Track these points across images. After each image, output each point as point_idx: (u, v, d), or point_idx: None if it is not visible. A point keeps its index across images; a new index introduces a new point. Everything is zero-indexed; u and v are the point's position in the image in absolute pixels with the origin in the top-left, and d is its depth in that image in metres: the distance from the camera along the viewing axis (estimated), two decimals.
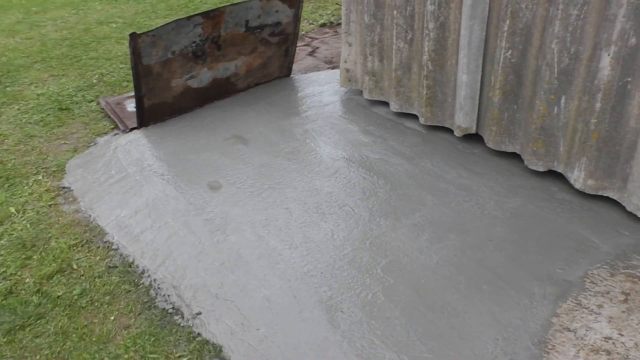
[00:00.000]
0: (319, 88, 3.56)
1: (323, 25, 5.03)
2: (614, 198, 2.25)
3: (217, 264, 2.18)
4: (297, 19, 3.53)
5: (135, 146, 3.05)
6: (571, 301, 1.89)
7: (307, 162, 2.74)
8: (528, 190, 2.42)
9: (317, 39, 4.67)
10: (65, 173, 2.93)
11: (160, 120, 3.34)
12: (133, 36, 2.92)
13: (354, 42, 3.23)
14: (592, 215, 2.25)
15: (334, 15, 5.13)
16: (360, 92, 3.38)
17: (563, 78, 2.24)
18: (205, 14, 3.14)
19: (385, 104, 3.22)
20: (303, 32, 4.76)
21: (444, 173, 2.58)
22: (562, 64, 2.22)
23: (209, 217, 2.43)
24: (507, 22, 2.35)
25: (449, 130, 2.89)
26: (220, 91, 3.53)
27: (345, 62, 3.34)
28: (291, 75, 3.84)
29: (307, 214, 2.38)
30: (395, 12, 2.84)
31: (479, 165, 2.61)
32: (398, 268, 2.06)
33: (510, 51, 2.40)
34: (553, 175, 2.47)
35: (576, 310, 1.84)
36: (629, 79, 2.03)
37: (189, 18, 3.09)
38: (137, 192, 2.67)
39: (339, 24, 4.87)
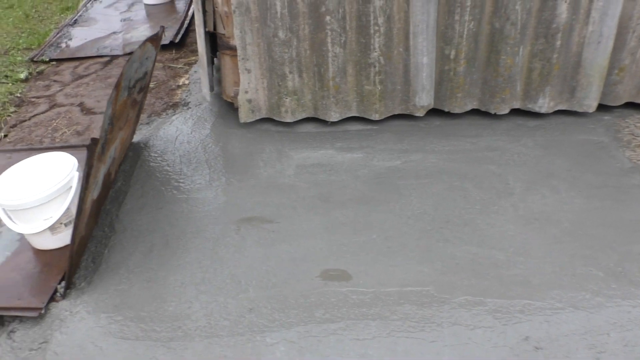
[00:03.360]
0: (217, 137, 2.88)
1: (27, 79, 3.75)
2: (564, 108, 2.96)
3: None
4: (154, 63, 2.69)
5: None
6: None
7: (388, 209, 2.38)
8: (525, 130, 2.86)
9: (54, 93, 3.50)
10: None
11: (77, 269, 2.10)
12: (92, 147, 1.73)
13: (253, 66, 2.77)
14: (570, 125, 2.90)
15: (30, 71, 3.88)
16: (262, 121, 2.96)
17: (523, 32, 2.73)
18: (117, 85, 2.09)
19: (306, 120, 2.95)
20: (15, 94, 3.48)
21: (476, 152, 2.70)
22: (523, 20, 2.70)
23: None
24: None
25: (395, 117, 2.96)
26: (105, 192, 2.43)
27: (246, 92, 2.82)
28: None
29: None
30: (328, 17, 2.63)
31: (469, 131, 2.86)
32: None
33: (472, 23, 2.70)
34: (507, 114, 2.98)
35: None
36: (574, 17, 2.71)
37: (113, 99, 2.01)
38: None
39: (42, 72, 3.76)
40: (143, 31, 4.39)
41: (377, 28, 2.66)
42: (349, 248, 2.14)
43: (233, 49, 2.82)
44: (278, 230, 2.23)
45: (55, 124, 3.16)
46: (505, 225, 2.22)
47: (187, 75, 3.65)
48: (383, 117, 2.90)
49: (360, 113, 2.91)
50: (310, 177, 2.52)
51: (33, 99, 3.46)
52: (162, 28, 2.54)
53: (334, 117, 2.89)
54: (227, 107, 3.11)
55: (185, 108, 3.19)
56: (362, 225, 2.24)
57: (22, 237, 2.31)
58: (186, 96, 3.36)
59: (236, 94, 2.91)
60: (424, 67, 2.77)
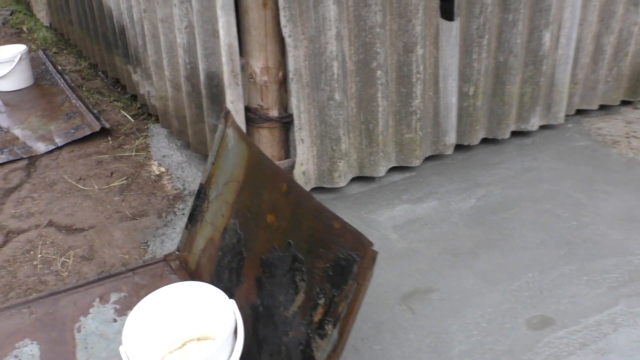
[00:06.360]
0: None
1: None
2: (543, 124, 3.37)
3: None
4: None
5: None
6: None
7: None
8: (529, 148, 3.16)
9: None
10: None
11: None
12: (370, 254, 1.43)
13: (306, 135, 2.56)
14: (554, 137, 3.31)
15: None
16: (315, 189, 2.73)
17: (520, 61, 3.05)
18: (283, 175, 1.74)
19: (352, 181, 2.82)
20: None
21: (521, 175, 2.90)
22: (520, 51, 3.01)
23: None
24: (486, 37, 2.84)
25: (426, 160, 3.02)
26: None
27: (302, 164, 2.58)
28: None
29: None
30: (379, 72, 2.58)
31: (492, 159, 3.05)
32: None
33: (487, 59, 2.92)
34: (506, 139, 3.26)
35: None
36: (551, 44, 3.13)
37: None
38: None
39: None
40: (37, 120, 3.63)
41: (418, 76, 2.68)
42: (521, 293, 2.12)
43: (271, 120, 2.55)
44: (447, 298, 2.09)
45: (40, 256, 2.43)
46: (613, 233, 2.44)
47: (154, 162, 3.13)
48: (420, 162, 2.92)
49: (400, 162, 2.89)
50: (417, 236, 2.42)
51: None
52: (227, 109, 2.17)
53: (382, 171, 2.81)
54: None
55: None
56: (510, 268, 2.24)
57: None
58: (181, 185, 2.89)
59: None
60: (453, 107, 2.88)
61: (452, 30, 2.70)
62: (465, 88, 2.93)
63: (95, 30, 4.09)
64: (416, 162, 2.89)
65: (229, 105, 2.46)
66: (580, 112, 3.59)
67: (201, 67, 2.57)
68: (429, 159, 3.02)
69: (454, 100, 2.87)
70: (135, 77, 3.56)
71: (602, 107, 3.66)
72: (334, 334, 1.49)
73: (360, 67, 2.54)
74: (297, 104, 2.44)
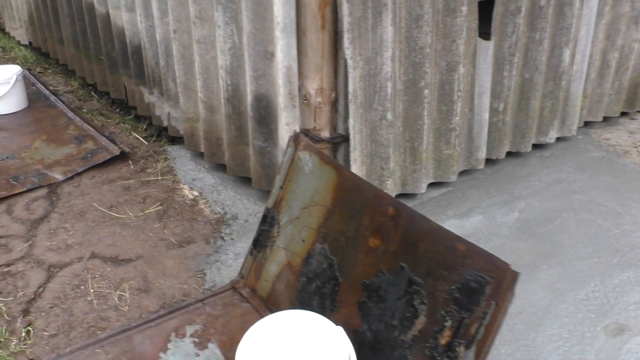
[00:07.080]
0: None
1: None
2: (558, 136, 3.51)
3: None
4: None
5: None
6: None
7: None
8: (550, 160, 3.28)
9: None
10: None
11: None
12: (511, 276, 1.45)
13: (357, 155, 2.57)
14: (569, 149, 3.45)
15: None
16: None
17: (542, 77, 3.17)
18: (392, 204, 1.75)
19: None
20: None
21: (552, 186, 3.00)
22: (545, 68, 3.14)
23: None
24: (517, 55, 2.94)
25: (460, 174, 3.08)
26: None
27: None
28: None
29: None
30: (427, 91, 2.63)
31: (520, 172, 3.15)
32: None
33: (516, 76, 3.02)
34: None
35: None
36: (570, 60, 3.27)
37: None
38: None
39: None
40: (45, 145, 3.48)
41: (459, 94, 2.75)
42: (590, 302, 2.19)
43: (323, 141, 2.55)
44: (523, 310, 2.14)
45: (92, 290, 2.32)
46: None
47: (185, 186, 3.06)
48: (456, 177, 2.98)
49: (437, 178, 2.93)
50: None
51: (3, 271, 2.45)
52: (296, 131, 2.16)
53: (423, 187, 2.85)
54: None
55: (242, 222, 2.71)
56: (572, 278, 2.31)
57: None
58: (221, 209, 2.83)
59: None
60: (485, 123, 2.96)
61: (488, 49, 2.79)
62: (495, 104, 3.02)
63: (96, 49, 3.96)
64: (453, 178, 2.94)
65: (284, 127, 2.44)
66: (586, 124, 3.75)
67: (249, 89, 2.54)
68: (460, 173, 3.08)
69: (486, 116, 2.95)
70: (151, 98, 3.47)
71: (604, 119, 3.84)
72: (469, 355, 1.50)
73: (408, 86, 2.58)
74: (353, 125, 2.45)
